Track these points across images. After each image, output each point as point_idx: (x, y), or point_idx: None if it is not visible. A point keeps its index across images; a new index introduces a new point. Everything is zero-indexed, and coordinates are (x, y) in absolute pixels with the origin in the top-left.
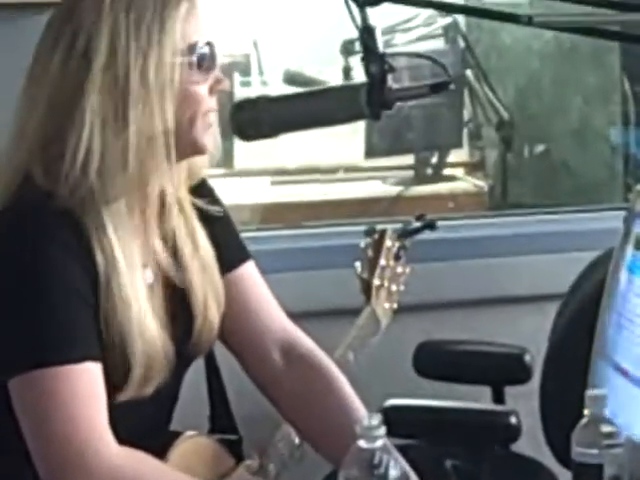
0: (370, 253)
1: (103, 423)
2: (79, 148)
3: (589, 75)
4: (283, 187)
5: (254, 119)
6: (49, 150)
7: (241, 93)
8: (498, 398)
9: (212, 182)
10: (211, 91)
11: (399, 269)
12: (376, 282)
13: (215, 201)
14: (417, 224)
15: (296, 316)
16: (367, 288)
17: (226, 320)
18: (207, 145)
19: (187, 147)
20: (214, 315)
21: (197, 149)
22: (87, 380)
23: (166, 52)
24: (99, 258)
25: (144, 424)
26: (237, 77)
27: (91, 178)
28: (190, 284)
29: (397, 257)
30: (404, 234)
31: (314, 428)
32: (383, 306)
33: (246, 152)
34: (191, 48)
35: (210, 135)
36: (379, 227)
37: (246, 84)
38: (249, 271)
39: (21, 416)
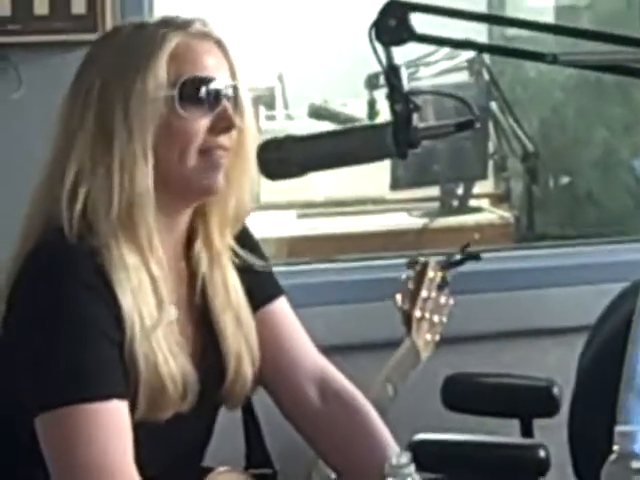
0: (411, 285)
1: (130, 461)
2: (67, 186)
3: (613, 106)
4: (309, 220)
5: (280, 159)
6: (60, 190)
7: (266, 126)
8: (527, 431)
9: None
10: (213, 129)
11: (442, 300)
12: (417, 314)
13: (259, 254)
14: (460, 255)
15: (324, 350)
16: (408, 320)
17: (260, 358)
18: (208, 185)
19: (188, 187)
20: (247, 369)
21: (198, 189)
22: (114, 418)
23: (149, 86)
24: (116, 284)
25: (167, 453)
26: (262, 111)
27: (83, 214)
28: (221, 333)
29: (440, 288)
30: (447, 265)
31: (348, 465)
32: (425, 338)
33: (272, 185)
34: (175, 82)
35: (214, 174)
36: (422, 259)
37: (271, 118)
38: (280, 307)
39: (47, 454)
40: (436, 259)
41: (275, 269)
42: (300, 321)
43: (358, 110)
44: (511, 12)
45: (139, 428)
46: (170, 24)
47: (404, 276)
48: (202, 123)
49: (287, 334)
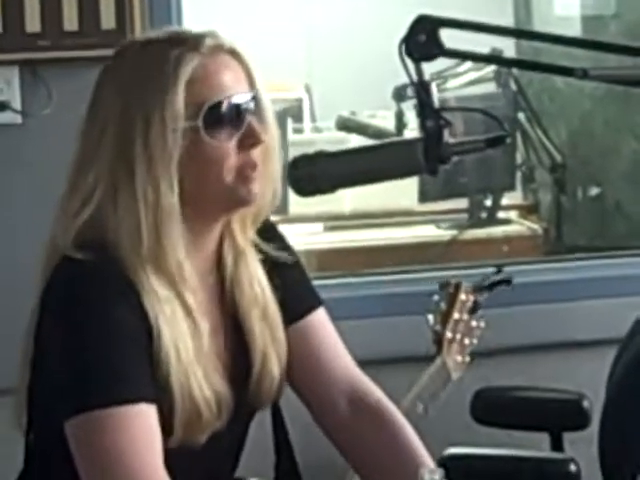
0: (443, 306)
1: (160, 465)
2: (86, 212)
3: None
4: (336, 233)
5: (311, 175)
6: (79, 219)
7: (293, 139)
8: (556, 445)
9: None
10: (241, 146)
11: (473, 323)
12: (448, 335)
13: (285, 247)
14: (493, 278)
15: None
16: (439, 340)
17: (295, 368)
18: (246, 197)
19: (226, 202)
20: (273, 365)
21: (237, 202)
22: (143, 421)
23: (168, 117)
24: (148, 308)
25: (202, 471)
26: (289, 123)
27: (110, 240)
28: (249, 332)
29: (472, 311)
30: (479, 289)
31: (378, 478)
32: (455, 359)
33: (300, 198)
34: (197, 112)
35: (249, 187)
36: (454, 281)
37: (298, 130)
38: (317, 319)
39: (78, 458)
40: (469, 281)
41: None
42: None
43: (386, 121)
44: (538, 22)
45: (176, 453)
46: (181, 43)
47: (436, 297)
48: (230, 144)
49: (322, 346)
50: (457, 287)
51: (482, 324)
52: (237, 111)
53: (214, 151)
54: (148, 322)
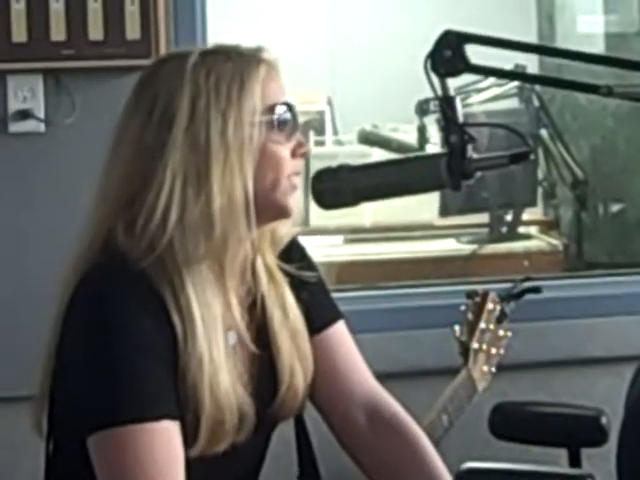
0: (470, 316)
1: None
2: (157, 207)
3: None
4: (356, 245)
5: (334, 188)
6: (129, 209)
7: (315, 152)
8: (574, 461)
9: None
10: (294, 154)
11: (500, 332)
12: (474, 345)
13: (308, 265)
14: (521, 287)
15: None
16: (465, 351)
17: (313, 380)
18: (291, 208)
19: (271, 210)
20: (299, 383)
21: (281, 212)
22: (165, 439)
23: (245, 111)
24: (175, 318)
25: None
26: (312, 136)
27: (170, 237)
28: (278, 350)
29: (499, 320)
30: (507, 297)
31: None
32: (481, 369)
33: (320, 210)
34: (271, 108)
35: (294, 198)
36: (481, 290)
37: (320, 143)
38: (337, 332)
39: (99, 475)
40: (496, 291)
41: None
42: None
43: (408, 135)
44: (561, 39)
45: (196, 462)
46: (244, 52)
47: (463, 307)
48: (287, 149)
49: (339, 359)
50: (484, 297)
51: (509, 334)
52: (293, 119)
53: (277, 151)
54: (174, 330)
